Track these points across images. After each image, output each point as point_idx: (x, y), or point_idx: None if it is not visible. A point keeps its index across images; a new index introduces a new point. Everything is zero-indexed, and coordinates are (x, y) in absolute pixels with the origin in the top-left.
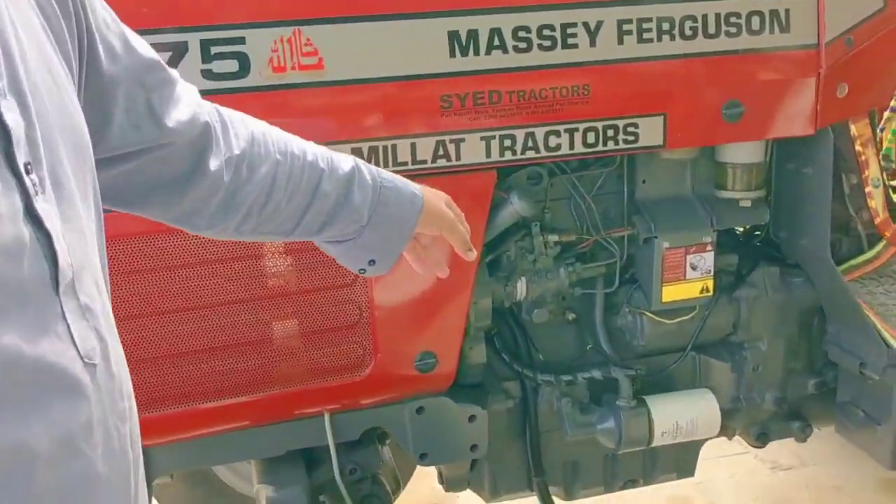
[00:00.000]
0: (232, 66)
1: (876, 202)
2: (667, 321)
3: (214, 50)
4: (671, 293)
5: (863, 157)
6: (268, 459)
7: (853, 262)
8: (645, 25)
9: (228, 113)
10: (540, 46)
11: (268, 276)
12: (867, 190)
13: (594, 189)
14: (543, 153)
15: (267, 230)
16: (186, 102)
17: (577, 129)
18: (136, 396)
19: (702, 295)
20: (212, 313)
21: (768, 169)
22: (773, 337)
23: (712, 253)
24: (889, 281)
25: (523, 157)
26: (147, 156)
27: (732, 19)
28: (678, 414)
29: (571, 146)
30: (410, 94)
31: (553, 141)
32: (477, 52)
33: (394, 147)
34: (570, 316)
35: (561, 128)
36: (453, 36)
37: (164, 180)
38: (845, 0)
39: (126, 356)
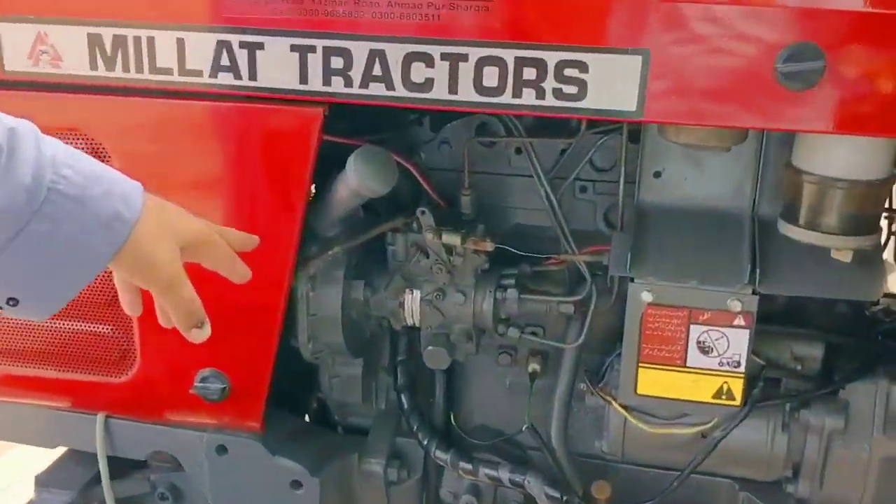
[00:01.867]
0: None
1: None
2: (646, 427)
3: None
4: (653, 383)
5: None
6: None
7: None
8: None
9: None
10: None
11: None
12: None
13: (577, 169)
14: (402, 92)
15: None
16: None
17: (464, 58)
18: None
19: (718, 401)
20: None
21: None
22: None
23: (747, 333)
24: None
25: (364, 92)
26: None
27: None
28: None
29: (454, 88)
30: None
31: (419, 73)
32: None
33: (150, 41)
34: (532, 367)
35: (436, 51)
36: None
37: None
38: None
39: None
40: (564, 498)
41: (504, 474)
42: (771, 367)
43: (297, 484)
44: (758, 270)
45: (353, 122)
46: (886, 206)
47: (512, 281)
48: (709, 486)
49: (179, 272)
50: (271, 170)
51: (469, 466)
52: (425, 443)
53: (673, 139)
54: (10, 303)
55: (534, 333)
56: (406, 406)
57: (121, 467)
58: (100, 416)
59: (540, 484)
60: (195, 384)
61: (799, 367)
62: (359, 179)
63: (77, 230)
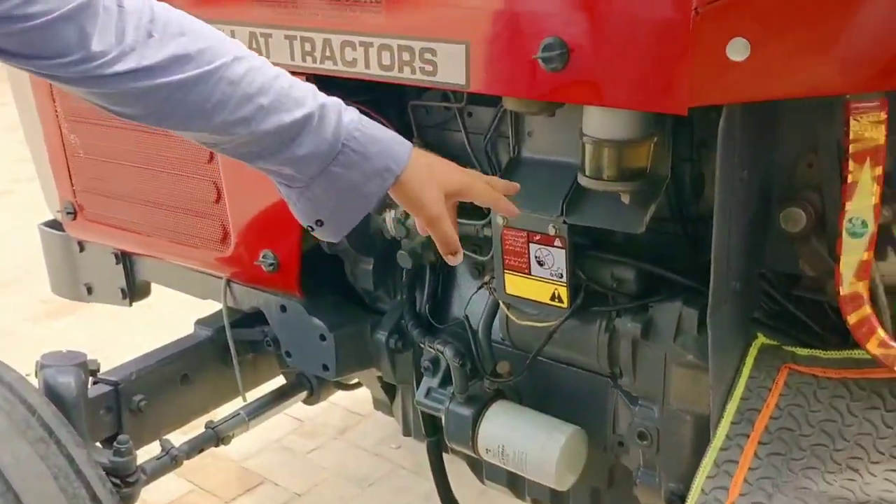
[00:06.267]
0: None
1: (847, 261)
2: (516, 319)
3: None
4: (516, 286)
5: (850, 179)
6: None
7: (825, 354)
8: None
9: None
10: None
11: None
12: (842, 238)
13: (490, 129)
14: (341, 67)
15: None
16: None
17: (371, 45)
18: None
19: (553, 303)
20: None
21: None
22: (674, 407)
23: (563, 252)
24: None
25: (322, 66)
26: None
27: None
28: (509, 439)
29: (367, 64)
30: None
31: (349, 54)
32: None
33: None
34: (487, 278)
35: (356, 39)
36: None
37: None
38: None
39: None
40: (463, 363)
41: (433, 345)
42: (594, 282)
43: (322, 337)
44: (564, 205)
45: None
46: None
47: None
48: (591, 381)
49: (440, 213)
50: None
51: (422, 339)
52: (408, 323)
53: (507, 106)
54: (318, 223)
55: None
56: (404, 297)
57: (253, 321)
58: (223, 280)
59: (451, 355)
60: (259, 258)
61: (615, 286)
62: None
63: (359, 175)
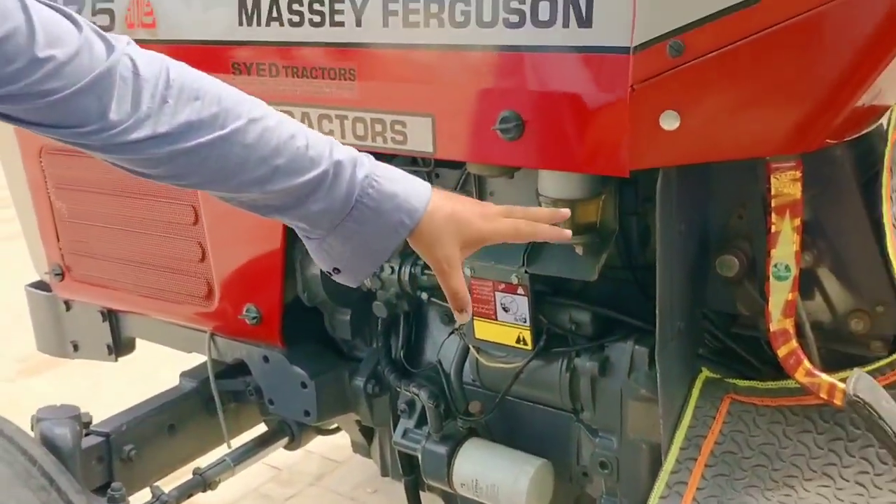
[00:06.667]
0: (105, 19)
1: (774, 301)
2: (485, 361)
3: (98, 6)
4: (484, 331)
5: (774, 229)
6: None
7: (763, 384)
8: (412, 5)
9: None
10: (311, 21)
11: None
12: (769, 281)
13: (456, 189)
14: None
15: None
16: None
17: (346, 118)
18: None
19: (518, 346)
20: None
21: None
22: (632, 438)
23: (526, 298)
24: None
25: None
26: None
27: (514, 4)
28: (482, 473)
29: (343, 135)
30: (208, 57)
31: (326, 126)
32: (259, 23)
33: None
34: (458, 324)
35: (332, 113)
36: (241, 4)
37: None
38: None
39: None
40: (437, 404)
41: (409, 389)
42: (555, 326)
43: (303, 384)
44: (525, 256)
45: None
46: None
47: (418, 259)
48: (556, 417)
49: (451, 267)
50: None
51: (398, 383)
52: (385, 368)
53: (471, 170)
54: (335, 271)
55: (436, 298)
56: (380, 344)
57: (236, 372)
58: (208, 334)
59: (426, 397)
60: (242, 313)
61: (573, 328)
62: None
63: (373, 230)
